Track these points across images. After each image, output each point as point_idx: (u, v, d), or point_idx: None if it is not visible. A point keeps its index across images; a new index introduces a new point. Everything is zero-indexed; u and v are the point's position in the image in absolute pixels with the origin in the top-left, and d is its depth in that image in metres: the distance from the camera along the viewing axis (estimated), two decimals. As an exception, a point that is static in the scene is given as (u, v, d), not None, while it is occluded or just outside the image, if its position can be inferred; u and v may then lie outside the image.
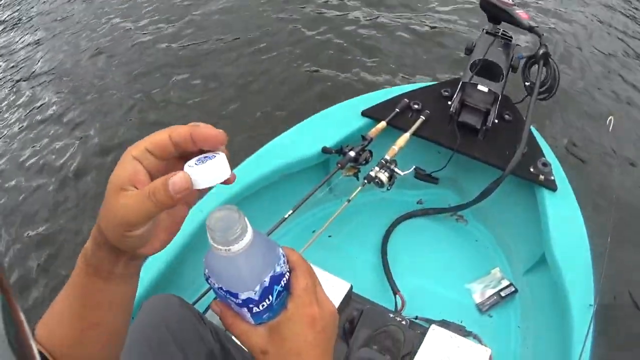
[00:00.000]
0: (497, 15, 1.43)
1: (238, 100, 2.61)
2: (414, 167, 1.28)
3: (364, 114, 1.37)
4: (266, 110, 2.51)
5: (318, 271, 0.44)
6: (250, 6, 3.45)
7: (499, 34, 1.47)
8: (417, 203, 1.53)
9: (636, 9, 6.02)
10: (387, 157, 1.21)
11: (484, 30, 1.50)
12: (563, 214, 1.23)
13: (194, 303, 0.99)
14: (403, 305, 1.24)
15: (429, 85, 1.50)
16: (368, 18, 3.84)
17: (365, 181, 1.20)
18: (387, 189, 1.23)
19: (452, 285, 1.35)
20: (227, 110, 2.53)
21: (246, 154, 1.29)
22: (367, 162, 1.23)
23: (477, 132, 1.32)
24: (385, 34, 3.66)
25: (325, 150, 1.27)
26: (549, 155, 1.35)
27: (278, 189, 1.33)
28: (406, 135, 1.27)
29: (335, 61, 2.96)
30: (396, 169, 1.21)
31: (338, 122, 1.36)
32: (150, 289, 1.02)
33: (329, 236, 1.41)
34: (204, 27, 3.21)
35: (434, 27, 3.91)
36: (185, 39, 3.12)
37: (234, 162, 1.27)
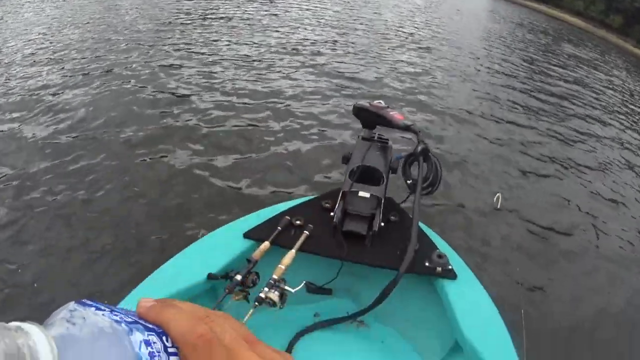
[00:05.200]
0: (371, 120, 1.44)
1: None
2: (304, 282, 1.24)
3: (247, 236, 1.34)
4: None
5: None
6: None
7: (375, 138, 1.48)
8: (314, 316, 1.47)
9: (511, 92, 6.60)
10: (275, 276, 1.18)
11: (360, 137, 1.50)
12: (469, 299, 1.23)
13: None
14: None
15: (310, 199, 1.48)
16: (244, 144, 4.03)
17: (256, 303, 1.15)
18: (280, 307, 1.18)
19: None
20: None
21: (132, 285, 1.21)
22: (254, 284, 1.19)
23: (365, 238, 1.30)
24: (265, 152, 3.88)
25: (211, 276, 1.22)
26: (443, 246, 1.35)
27: None
28: (291, 253, 1.25)
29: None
30: (286, 287, 1.18)
31: (222, 246, 1.32)
32: None
33: None
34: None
35: (312, 140, 4.10)
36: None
37: (119, 296, 1.18)
